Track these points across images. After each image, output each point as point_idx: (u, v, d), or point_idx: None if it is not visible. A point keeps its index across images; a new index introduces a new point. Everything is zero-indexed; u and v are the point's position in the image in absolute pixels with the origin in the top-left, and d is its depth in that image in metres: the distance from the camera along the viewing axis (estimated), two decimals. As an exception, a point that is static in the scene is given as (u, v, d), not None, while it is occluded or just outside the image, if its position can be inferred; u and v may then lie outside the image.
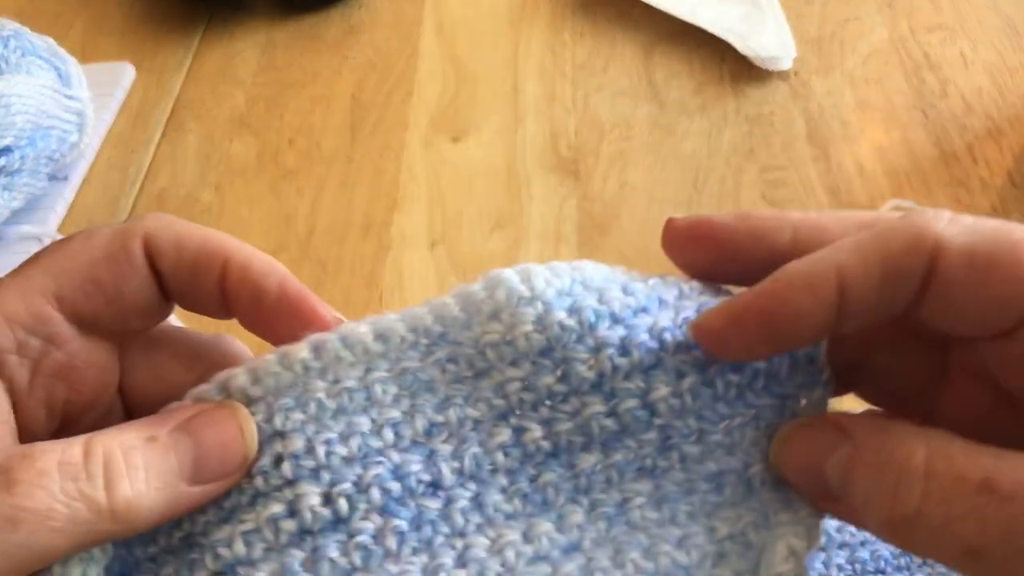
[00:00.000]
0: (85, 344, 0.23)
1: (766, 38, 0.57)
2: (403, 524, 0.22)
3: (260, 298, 0.24)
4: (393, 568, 0.21)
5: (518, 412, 0.22)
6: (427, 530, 0.22)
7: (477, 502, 0.22)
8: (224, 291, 0.24)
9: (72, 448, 0.20)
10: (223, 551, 0.21)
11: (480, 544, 0.22)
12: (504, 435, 0.22)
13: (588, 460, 0.22)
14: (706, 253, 0.23)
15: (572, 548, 0.22)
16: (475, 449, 0.22)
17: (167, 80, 0.62)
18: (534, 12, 0.64)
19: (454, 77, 0.60)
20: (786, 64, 0.56)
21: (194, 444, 0.22)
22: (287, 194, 0.54)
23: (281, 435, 0.22)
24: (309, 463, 0.22)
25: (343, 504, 0.21)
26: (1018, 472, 0.18)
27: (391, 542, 0.21)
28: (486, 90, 0.59)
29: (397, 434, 0.22)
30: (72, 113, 0.53)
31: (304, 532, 0.21)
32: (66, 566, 0.20)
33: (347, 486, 0.21)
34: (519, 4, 0.64)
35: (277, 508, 0.21)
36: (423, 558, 0.21)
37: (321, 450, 0.22)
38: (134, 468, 0.20)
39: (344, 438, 0.22)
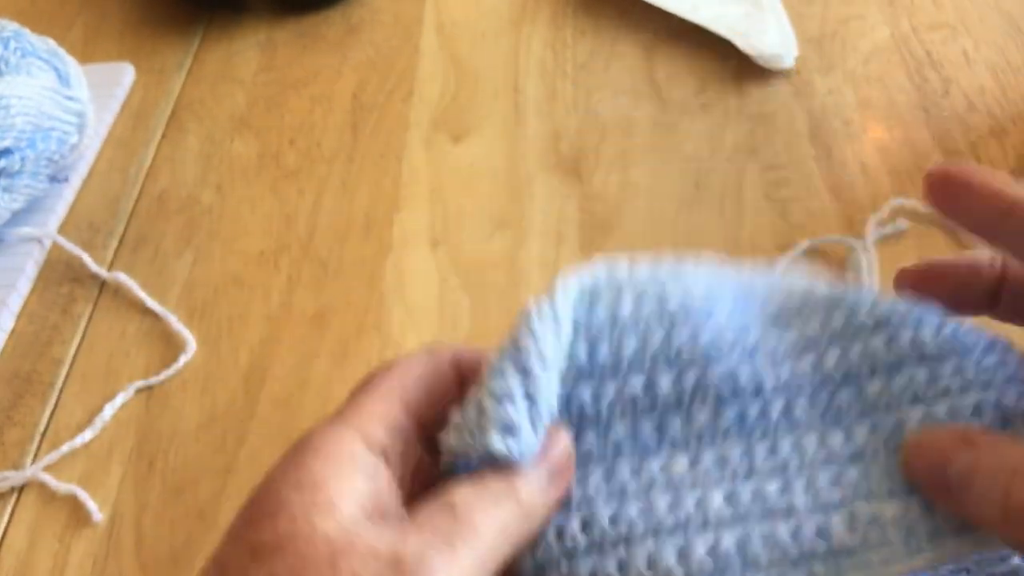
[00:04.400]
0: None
1: (768, 37, 0.56)
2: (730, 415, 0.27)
3: None
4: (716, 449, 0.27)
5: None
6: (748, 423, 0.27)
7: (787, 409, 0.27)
8: None
9: None
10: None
11: (785, 441, 0.27)
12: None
13: (875, 386, 0.27)
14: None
15: (856, 456, 0.26)
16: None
17: (167, 80, 0.62)
18: (535, 11, 0.64)
19: (455, 77, 0.60)
20: (788, 63, 0.56)
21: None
22: (288, 194, 0.54)
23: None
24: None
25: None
26: None
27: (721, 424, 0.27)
28: (487, 90, 0.58)
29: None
30: (72, 114, 0.53)
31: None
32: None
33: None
34: (520, 4, 0.64)
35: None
36: (740, 446, 0.26)
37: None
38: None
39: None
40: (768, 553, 0.24)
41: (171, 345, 0.47)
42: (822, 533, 0.25)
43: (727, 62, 0.57)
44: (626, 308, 0.27)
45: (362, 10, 0.66)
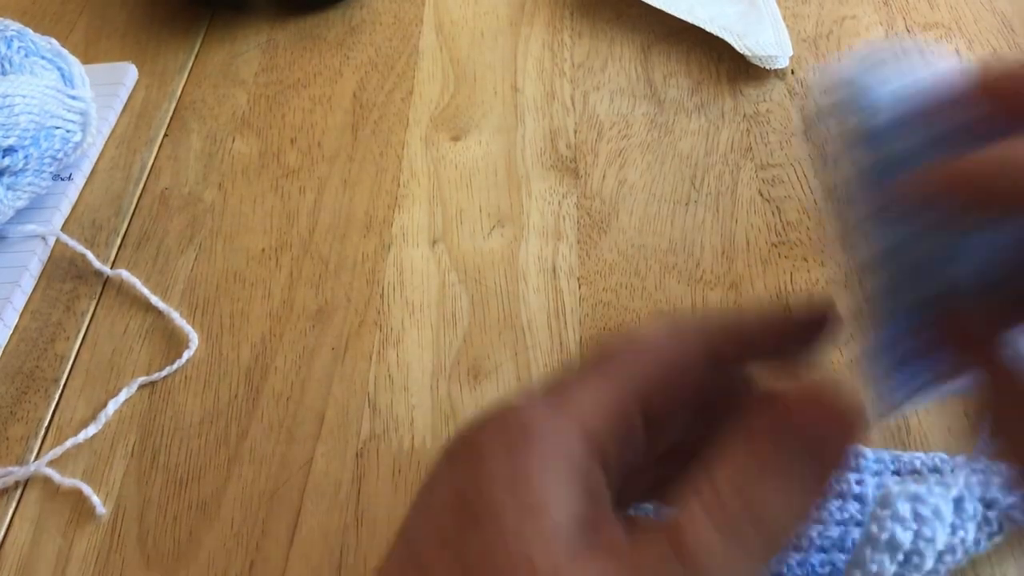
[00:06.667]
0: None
1: (763, 37, 0.57)
2: None
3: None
4: None
5: None
6: None
7: None
8: None
9: None
10: None
11: None
12: None
13: None
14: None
15: None
16: None
17: (169, 80, 0.63)
18: (533, 12, 0.64)
19: (454, 76, 0.60)
20: (783, 62, 0.56)
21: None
22: (289, 192, 0.54)
23: None
24: None
25: None
26: None
27: None
28: (486, 89, 0.59)
29: None
30: (75, 113, 0.54)
31: None
32: None
33: None
34: (518, 5, 0.65)
35: None
36: None
37: None
38: None
39: None
40: None
41: (174, 341, 0.48)
42: None
43: (723, 62, 0.58)
44: None
45: (362, 11, 0.66)
